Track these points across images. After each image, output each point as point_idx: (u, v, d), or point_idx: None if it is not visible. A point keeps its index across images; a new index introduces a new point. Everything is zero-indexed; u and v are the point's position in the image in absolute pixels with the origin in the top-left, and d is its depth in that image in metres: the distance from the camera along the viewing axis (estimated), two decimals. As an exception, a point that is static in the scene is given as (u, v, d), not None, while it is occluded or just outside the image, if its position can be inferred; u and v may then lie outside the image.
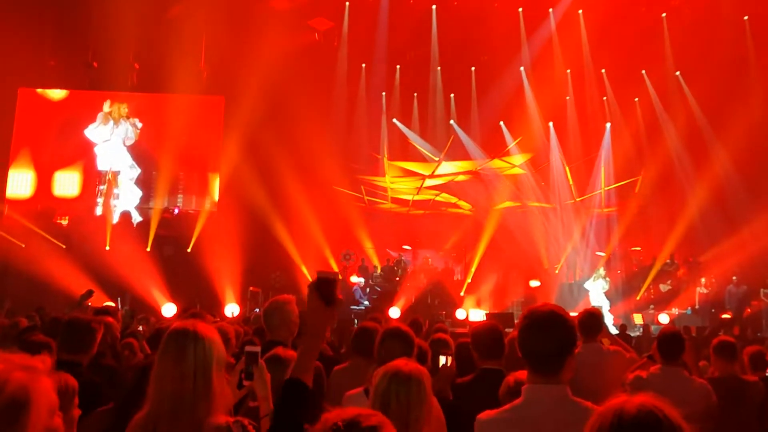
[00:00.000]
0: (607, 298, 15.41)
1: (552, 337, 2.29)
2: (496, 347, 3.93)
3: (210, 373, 2.16)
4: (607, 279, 15.80)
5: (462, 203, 19.76)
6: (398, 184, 19.73)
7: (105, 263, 13.74)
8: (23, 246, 14.99)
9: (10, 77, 16.51)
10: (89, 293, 6.59)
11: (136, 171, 18.21)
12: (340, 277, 2.16)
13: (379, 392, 2.32)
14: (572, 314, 2.43)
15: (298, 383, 1.93)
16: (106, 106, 18.24)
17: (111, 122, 18.25)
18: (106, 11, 15.43)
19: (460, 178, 19.48)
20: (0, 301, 10.46)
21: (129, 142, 18.30)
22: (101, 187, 18.01)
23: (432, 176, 19.17)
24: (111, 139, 18.21)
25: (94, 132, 18.19)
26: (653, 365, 4.32)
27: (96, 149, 18.19)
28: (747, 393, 4.46)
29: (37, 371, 1.45)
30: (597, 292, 15.47)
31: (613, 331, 9.83)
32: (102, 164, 18.17)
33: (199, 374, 2.13)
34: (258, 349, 2.62)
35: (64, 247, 15.76)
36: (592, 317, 4.85)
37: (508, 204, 18.81)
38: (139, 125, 18.33)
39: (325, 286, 2.01)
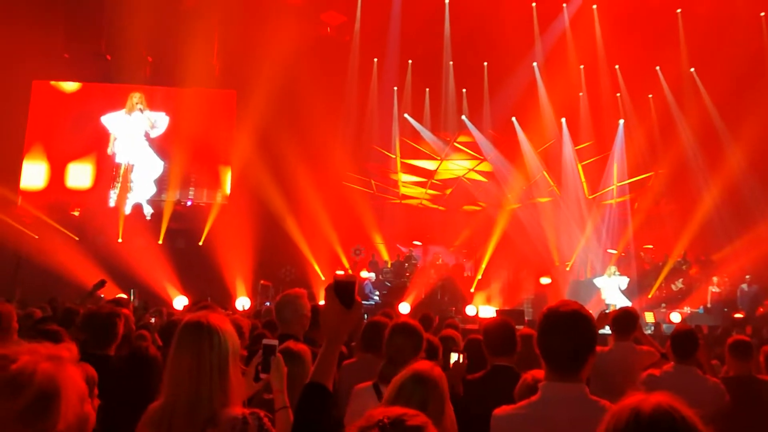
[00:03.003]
0: (625, 296, 15.27)
1: (573, 337, 2.26)
2: (508, 344, 3.92)
3: (226, 366, 2.16)
4: (624, 277, 15.67)
5: (475, 207, 19.68)
6: (409, 185, 19.74)
7: (117, 255, 13.84)
8: (36, 237, 15.12)
9: (24, 69, 16.62)
10: (101, 283, 6.61)
11: (157, 165, 18.27)
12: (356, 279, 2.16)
13: (396, 390, 2.33)
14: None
15: (318, 387, 1.92)
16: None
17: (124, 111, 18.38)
18: (119, 4, 15.49)
19: (473, 176, 19.43)
20: (11, 291, 10.56)
21: (154, 134, 18.40)
22: (117, 180, 18.11)
23: (442, 167, 19.14)
24: (128, 131, 18.29)
25: (109, 117, 18.33)
26: (667, 363, 4.29)
27: (114, 141, 18.29)
28: (762, 393, 4.42)
29: (64, 360, 1.44)
30: (613, 290, 15.35)
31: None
32: (119, 156, 18.28)
33: (215, 367, 2.14)
34: (275, 342, 2.62)
35: (76, 238, 15.88)
36: (628, 316, 4.83)
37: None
38: (166, 118, 18.40)
39: (343, 288, 1.99)
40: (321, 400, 1.92)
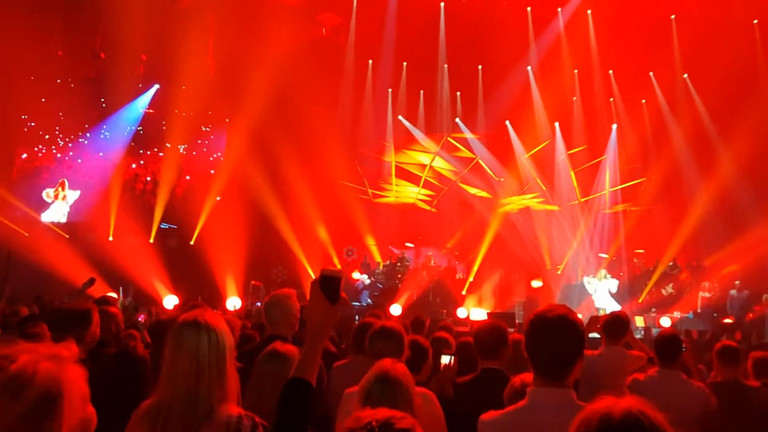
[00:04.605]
0: (615, 300, 15.29)
1: (559, 343, 2.25)
2: (498, 347, 3.91)
3: (223, 363, 2.19)
4: (614, 279, 15.71)
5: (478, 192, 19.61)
6: (402, 183, 19.73)
7: (108, 254, 13.77)
8: (27, 235, 15.03)
9: (18, 67, 16.49)
10: (91, 281, 6.58)
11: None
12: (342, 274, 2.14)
13: (364, 392, 2.34)
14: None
15: (301, 382, 1.92)
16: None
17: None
18: (113, 2, 15.42)
19: (476, 191, 19.41)
20: (1, 288, 10.48)
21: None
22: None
23: (434, 163, 19.15)
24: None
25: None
26: (652, 368, 4.30)
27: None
28: (750, 398, 4.44)
29: (65, 359, 1.37)
30: (603, 293, 15.37)
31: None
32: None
33: (213, 364, 2.16)
34: None
35: (67, 236, 15.81)
36: (618, 321, 4.82)
37: (513, 201, 18.78)
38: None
39: (329, 284, 1.99)
40: (303, 395, 1.91)
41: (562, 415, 2.16)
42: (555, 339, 2.25)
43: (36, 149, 18.19)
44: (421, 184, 19.55)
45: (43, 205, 17.20)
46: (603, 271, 15.78)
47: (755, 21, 17.08)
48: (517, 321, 12.49)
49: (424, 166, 19.38)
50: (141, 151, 18.85)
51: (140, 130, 18.50)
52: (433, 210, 19.88)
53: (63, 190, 17.44)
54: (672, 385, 4.05)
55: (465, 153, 19.09)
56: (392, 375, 2.40)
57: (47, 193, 17.33)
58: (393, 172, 19.33)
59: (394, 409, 1.49)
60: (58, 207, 17.34)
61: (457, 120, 18.91)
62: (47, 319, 3.79)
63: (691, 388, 4.12)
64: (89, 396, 1.42)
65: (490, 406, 2.44)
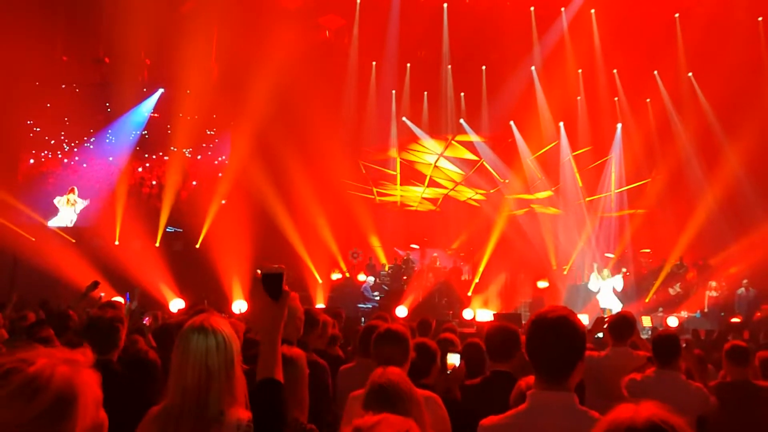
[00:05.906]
0: (620, 300, 15.23)
1: (560, 344, 2.22)
2: (509, 350, 3.87)
3: (232, 366, 2.21)
4: (618, 276, 15.63)
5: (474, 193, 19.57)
6: (409, 189, 19.72)
7: (114, 258, 13.80)
8: (33, 240, 15.07)
9: (22, 73, 16.56)
10: (94, 285, 6.59)
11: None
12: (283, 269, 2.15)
13: (363, 404, 2.34)
14: (580, 316, 2.36)
15: (268, 382, 1.96)
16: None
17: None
18: (117, 7, 15.47)
19: (475, 196, 19.36)
20: (8, 294, 10.51)
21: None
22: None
23: (439, 163, 19.14)
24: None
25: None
26: (649, 368, 4.28)
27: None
28: (761, 398, 4.40)
29: (80, 364, 1.41)
30: (607, 292, 15.31)
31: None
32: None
33: (222, 368, 2.18)
34: None
35: (73, 241, 15.85)
36: (624, 322, 4.78)
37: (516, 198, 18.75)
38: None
39: (270, 280, 1.99)
40: (273, 393, 1.96)
41: (562, 418, 2.15)
42: (554, 340, 2.22)
43: (42, 154, 18.24)
44: (426, 183, 19.52)
45: (50, 210, 17.23)
46: (606, 271, 15.74)
47: (760, 18, 17.03)
48: (523, 322, 12.46)
49: (428, 165, 19.36)
50: (146, 155, 18.88)
51: (145, 134, 18.53)
52: (438, 209, 19.86)
53: (73, 195, 17.47)
54: (669, 386, 4.03)
55: (469, 155, 19.06)
56: (384, 388, 2.40)
57: (58, 201, 17.34)
58: (398, 171, 19.30)
59: (396, 415, 1.47)
60: (67, 213, 17.38)
61: (461, 121, 18.88)
62: (86, 329, 3.85)
63: (689, 389, 4.10)
64: (102, 400, 1.45)
65: (498, 409, 2.42)
